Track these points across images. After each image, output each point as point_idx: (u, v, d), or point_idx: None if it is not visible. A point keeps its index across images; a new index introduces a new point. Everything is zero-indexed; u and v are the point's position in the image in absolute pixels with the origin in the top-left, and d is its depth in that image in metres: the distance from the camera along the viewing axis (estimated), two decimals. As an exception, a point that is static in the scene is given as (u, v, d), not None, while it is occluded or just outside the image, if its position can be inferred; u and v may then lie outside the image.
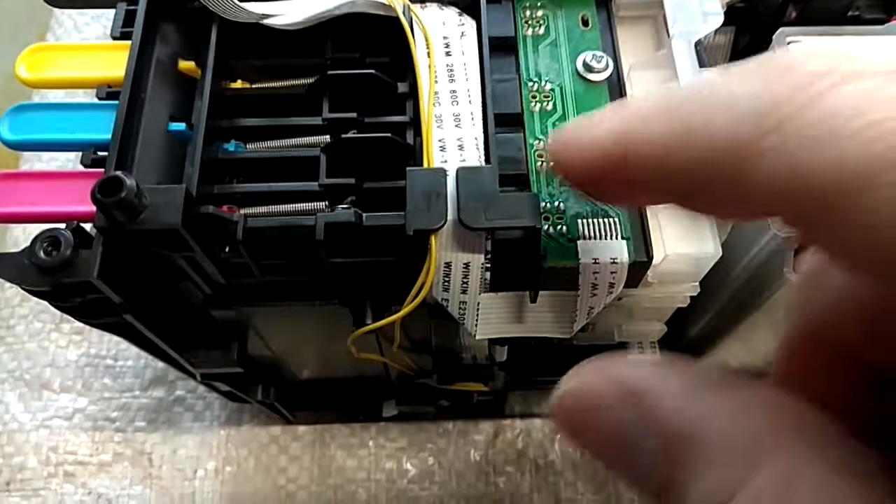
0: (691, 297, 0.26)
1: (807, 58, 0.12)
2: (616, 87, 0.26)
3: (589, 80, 0.26)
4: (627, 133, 0.14)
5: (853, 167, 0.11)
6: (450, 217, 0.21)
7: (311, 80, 0.25)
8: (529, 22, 0.27)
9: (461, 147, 0.23)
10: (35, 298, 0.22)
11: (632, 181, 0.15)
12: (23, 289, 0.21)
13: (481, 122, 0.24)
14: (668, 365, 0.14)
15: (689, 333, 0.34)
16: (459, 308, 0.24)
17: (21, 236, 0.43)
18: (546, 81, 0.26)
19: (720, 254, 0.23)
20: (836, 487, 0.11)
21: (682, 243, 0.23)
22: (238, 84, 0.26)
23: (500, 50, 0.26)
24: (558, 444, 0.39)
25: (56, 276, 0.21)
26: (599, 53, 0.26)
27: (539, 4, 0.28)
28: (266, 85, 0.26)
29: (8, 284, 0.44)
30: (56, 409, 0.40)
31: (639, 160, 0.14)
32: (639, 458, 0.13)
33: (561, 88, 0.26)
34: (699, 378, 0.13)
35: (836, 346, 0.15)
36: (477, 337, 0.25)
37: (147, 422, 0.40)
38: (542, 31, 0.27)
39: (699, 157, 0.13)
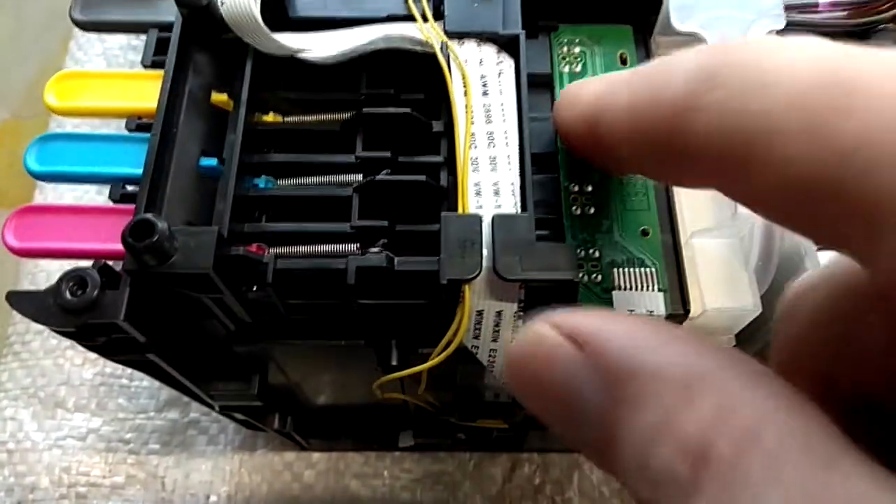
0: (726, 348, 0.25)
1: (739, 38, 0.15)
2: (654, 130, 0.26)
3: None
4: (600, 100, 0.17)
5: (775, 110, 0.12)
6: (484, 265, 0.21)
7: (344, 116, 0.25)
8: (567, 58, 0.27)
9: (497, 192, 0.22)
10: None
11: (605, 145, 0.17)
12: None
13: (517, 166, 0.23)
14: (611, 313, 0.15)
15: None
16: (489, 355, 0.23)
17: (34, 269, 0.43)
18: (582, 122, 0.25)
19: (760, 309, 0.22)
20: (768, 411, 0.12)
21: (722, 297, 0.22)
22: (270, 117, 0.25)
23: (535, 87, 0.26)
24: (576, 481, 0.38)
25: (82, 318, 0.20)
26: (639, 95, 0.25)
27: (577, 41, 0.27)
28: (299, 119, 0.25)
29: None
30: (70, 429, 0.39)
31: (607, 125, 0.17)
32: (584, 405, 0.13)
33: (597, 130, 0.25)
34: (643, 324, 0.14)
35: (806, 375, 0.15)
36: (506, 384, 0.24)
37: (161, 444, 0.39)
38: (578, 68, 0.27)
39: (652, 117, 0.15)
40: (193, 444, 0.39)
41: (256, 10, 0.23)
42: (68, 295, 0.20)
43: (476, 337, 0.23)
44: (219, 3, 0.23)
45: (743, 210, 0.22)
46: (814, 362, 0.15)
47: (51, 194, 0.44)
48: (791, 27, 0.25)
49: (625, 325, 0.14)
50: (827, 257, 0.23)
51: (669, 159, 0.15)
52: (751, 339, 0.28)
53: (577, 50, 0.27)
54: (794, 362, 0.16)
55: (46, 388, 0.40)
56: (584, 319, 0.14)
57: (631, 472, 0.13)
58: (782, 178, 0.12)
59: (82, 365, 0.41)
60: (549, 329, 0.14)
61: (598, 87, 0.18)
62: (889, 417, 0.15)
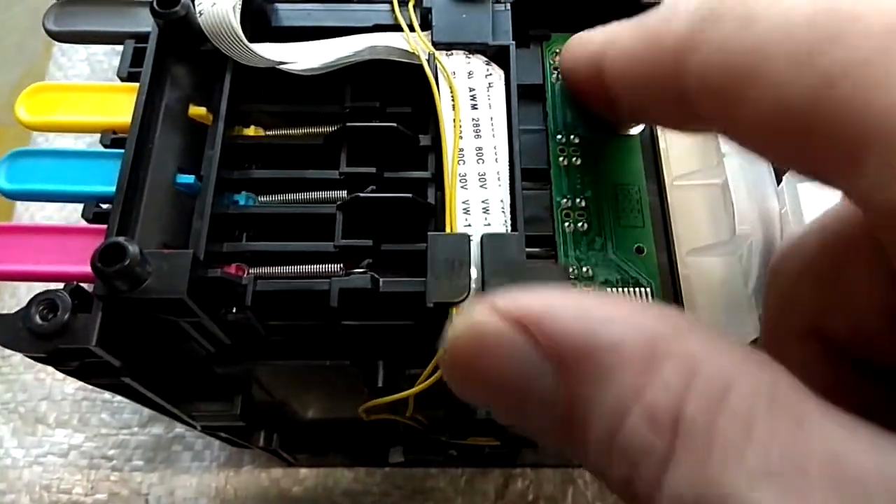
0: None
1: None
2: (649, 143, 0.25)
3: (621, 134, 0.25)
4: (606, 46, 0.18)
5: (768, 45, 0.13)
6: (472, 287, 0.20)
7: (328, 129, 0.24)
8: (558, 68, 0.26)
9: (486, 210, 0.22)
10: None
11: (610, 91, 0.18)
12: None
13: (507, 182, 0.22)
14: (554, 290, 0.14)
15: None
16: (479, 379, 0.22)
17: (9, 297, 0.42)
18: (575, 134, 0.25)
19: (758, 334, 0.22)
20: (731, 370, 0.11)
21: (721, 321, 0.21)
22: (251, 131, 0.24)
23: (526, 98, 0.25)
24: (570, 497, 0.37)
25: (52, 342, 0.19)
26: (634, 108, 0.24)
27: (569, 51, 0.26)
28: (281, 132, 0.24)
29: (5, 310, 0.43)
30: (51, 445, 0.38)
31: (611, 70, 0.18)
32: (539, 392, 0.13)
33: (591, 143, 0.25)
34: (589, 296, 0.13)
35: (797, 323, 0.16)
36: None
37: (145, 460, 0.38)
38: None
39: (652, 56, 0.15)
40: (178, 460, 0.39)
41: (236, 21, 0.22)
42: (38, 319, 0.19)
43: (465, 360, 0.22)
44: (196, 14, 0.22)
45: (742, 228, 0.22)
46: (805, 316, 0.16)
47: (38, 213, 0.43)
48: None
49: (571, 299, 0.13)
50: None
51: (672, 101, 0.16)
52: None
53: (569, 60, 0.26)
54: (785, 317, 0.16)
55: (27, 403, 0.39)
56: (526, 301, 0.13)
57: (601, 452, 0.12)
58: (772, 104, 0.13)
59: (64, 380, 0.40)
60: (489, 315, 0.13)
61: (605, 33, 0.19)
62: (880, 370, 0.15)
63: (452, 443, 0.33)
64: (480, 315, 0.13)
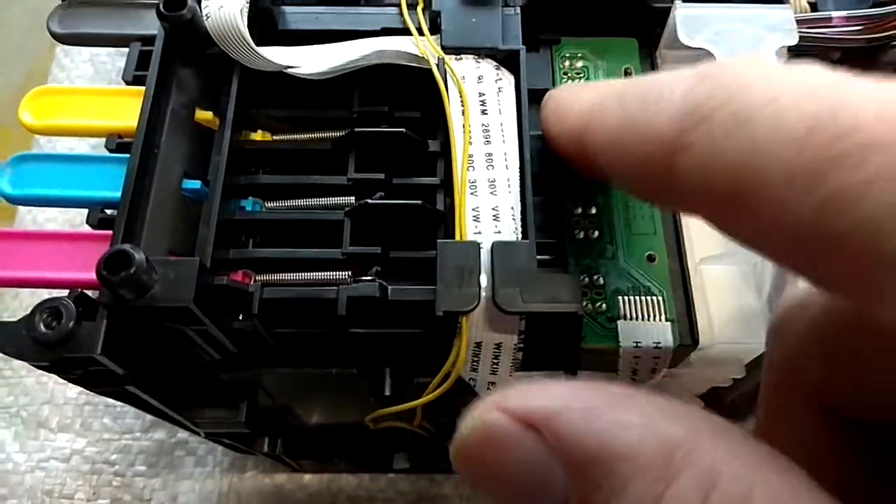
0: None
1: (732, 63, 0.13)
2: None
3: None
4: (589, 120, 0.17)
5: (763, 154, 0.12)
6: (483, 295, 0.20)
7: (336, 134, 0.24)
8: (568, 73, 0.26)
9: (496, 217, 0.21)
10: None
11: (592, 162, 0.17)
12: (20, 360, 0.20)
13: (517, 189, 0.22)
14: (567, 385, 0.13)
15: (725, 399, 0.32)
16: (488, 389, 0.22)
17: (11, 299, 0.42)
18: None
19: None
20: (751, 480, 0.11)
21: (734, 330, 0.21)
22: (258, 135, 0.24)
23: (536, 103, 0.24)
24: None
25: (56, 351, 0.19)
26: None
27: (579, 55, 0.26)
28: (288, 137, 0.24)
29: (8, 312, 0.42)
30: (53, 450, 0.38)
31: (594, 146, 0.17)
32: (549, 491, 0.12)
33: (601, 149, 0.24)
34: (600, 393, 0.13)
35: (801, 393, 0.15)
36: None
37: (147, 466, 0.38)
38: (581, 83, 0.26)
39: (639, 149, 0.14)
40: (181, 465, 0.38)
41: (243, 24, 0.22)
42: (42, 327, 0.19)
43: (474, 370, 0.22)
44: (203, 17, 0.22)
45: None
46: (809, 377, 0.15)
47: (41, 215, 0.43)
48: (803, 42, 0.24)
49: (580, 399, 0.12)
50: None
51: (658, 191, 0.15)
52: (760, 366, 0.27)
53: (579, 64, 0.26)
54: (789, 377, 0.15)
55: (29, 407, 0.39)
56: (533, 400, 0.13)
57: None
58: (774, 223, 0.12)
59: (66, 384, 0.39)
60: (497, 416, 0.13)
61: (587, 103, 0.17)
62: (884, 434, 0.14)
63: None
64: (488, 414, 0.13)
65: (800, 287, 0.16)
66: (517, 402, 0.13)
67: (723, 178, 0.12)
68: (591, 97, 0.17)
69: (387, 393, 0.24)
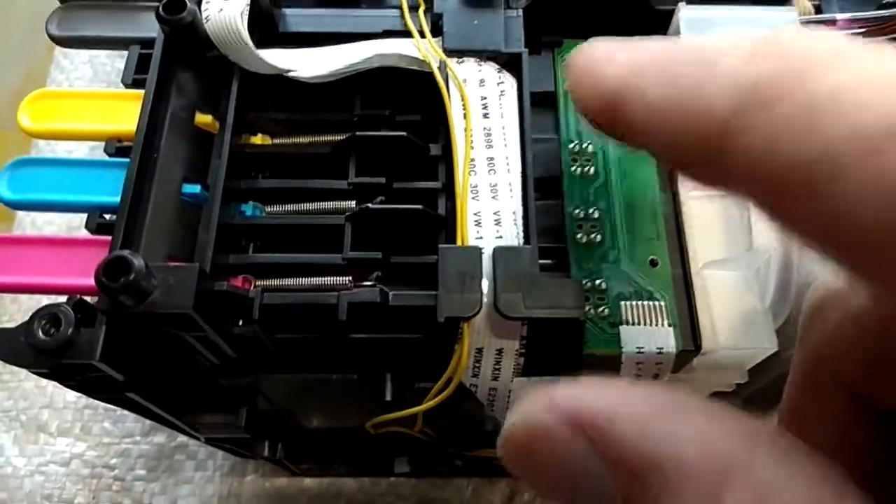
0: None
1: (801, 39, 0.12)
2: (663, 153, 0.24)
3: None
4: (625, 88, 0.15)
5: (832, 149, 0.11)
6: (484, 301, 0.20)
7: (336, 138, 0.23)
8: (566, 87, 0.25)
9: (498, 222, 0.21)
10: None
11: (629, 128, 0.15)
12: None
13: (520, 193, 0.22)
14: (621, 388, 0.13)
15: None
16: (489, 395, 0.22)
17: (10, 303, 0.41)
18: (588, 143, 0.24)
19: (776, 348, 0.21)
20: (805, 496, 0.11)
21: (737, 335, 0.21)
22: (258, 139, 0.24)
23: (538, 106, 0.24)
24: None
25: (55, 358, 0.19)
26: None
27: (581, 58, 0.26)
28: (289, 140, 0.24)
29: (6, 316, 0.42)
30: (52, 454, 0.38)
31: (631, 117, 0.15)
32: (594, 488, 0.12)
33: (604, 151, 0.24)
34: (650, 396, 0.12)
35: (835, 383, 0.15)
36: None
37: (147, 470, 0.38)
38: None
39: (685, 127, 0.13)
40: (181, 469, 0.38)
41: (243, 27, 0.22)
42: (41, 334, 0.19)
43: (475, 375, 0.21)
44: (203, 19, 0.22)
45: (759, 242, 0.21)
46: (844, 370, 0.14)
47: (40, 218, 0.43)
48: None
49: (630, 402, 0.12)
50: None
51: (703, 171, 0.14)
52: (763, 370, 0.27)
53: (581, 67, 0.26)
54: (823, 370, 0.15)
55: (28, 410, 0.39)
56: (582, 399, 0.12)
57: None
58: (837, 221, 0.11)
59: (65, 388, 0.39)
60: (543, 413, 0.12)
61: (623, 68, 0.15)
62: None
63: (459, 454, 0.33)
64: (532, 409, 0.13)
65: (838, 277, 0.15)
66: (568, 397, 0.12)
67: (785, 167, 0.11)
68: (628, 61, 0.15)
69: (388, 398, 0.24)
